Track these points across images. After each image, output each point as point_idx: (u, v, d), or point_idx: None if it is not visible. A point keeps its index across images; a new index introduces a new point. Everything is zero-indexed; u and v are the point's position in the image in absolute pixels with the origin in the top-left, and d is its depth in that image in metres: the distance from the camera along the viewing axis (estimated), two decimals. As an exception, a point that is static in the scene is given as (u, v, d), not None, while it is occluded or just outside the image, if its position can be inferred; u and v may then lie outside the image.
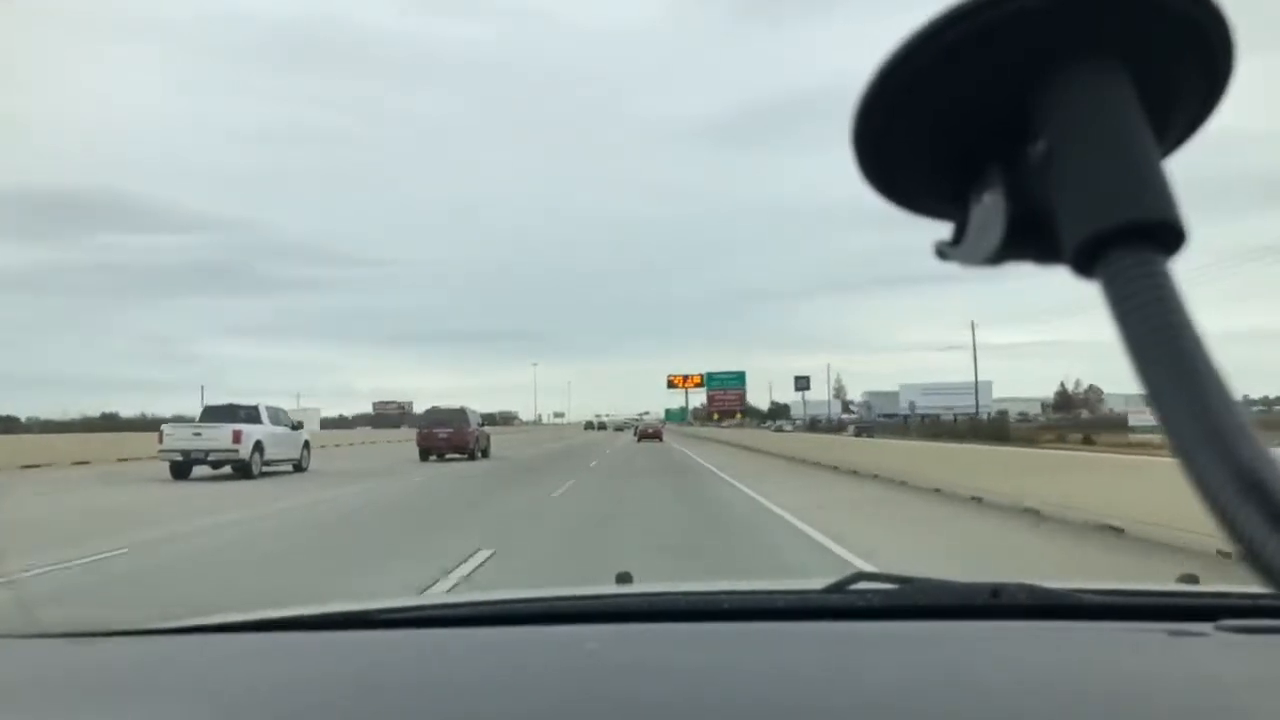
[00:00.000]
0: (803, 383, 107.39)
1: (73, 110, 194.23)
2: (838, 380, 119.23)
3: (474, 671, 1.08)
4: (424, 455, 27.04)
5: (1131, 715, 0.92)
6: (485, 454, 28.47)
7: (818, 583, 1.32)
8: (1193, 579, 1.46)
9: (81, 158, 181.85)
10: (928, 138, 0.39)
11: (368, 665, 1.09)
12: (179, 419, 21.47)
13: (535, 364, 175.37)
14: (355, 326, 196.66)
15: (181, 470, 19.05)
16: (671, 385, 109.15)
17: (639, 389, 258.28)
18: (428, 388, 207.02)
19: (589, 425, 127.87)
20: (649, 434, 52.88)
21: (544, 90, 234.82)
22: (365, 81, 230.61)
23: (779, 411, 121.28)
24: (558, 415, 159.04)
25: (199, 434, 19.17)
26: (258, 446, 19.40)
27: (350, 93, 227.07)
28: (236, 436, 18.98)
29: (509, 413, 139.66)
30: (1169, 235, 0.34)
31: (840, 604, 1.27)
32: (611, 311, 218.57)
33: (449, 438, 27.27)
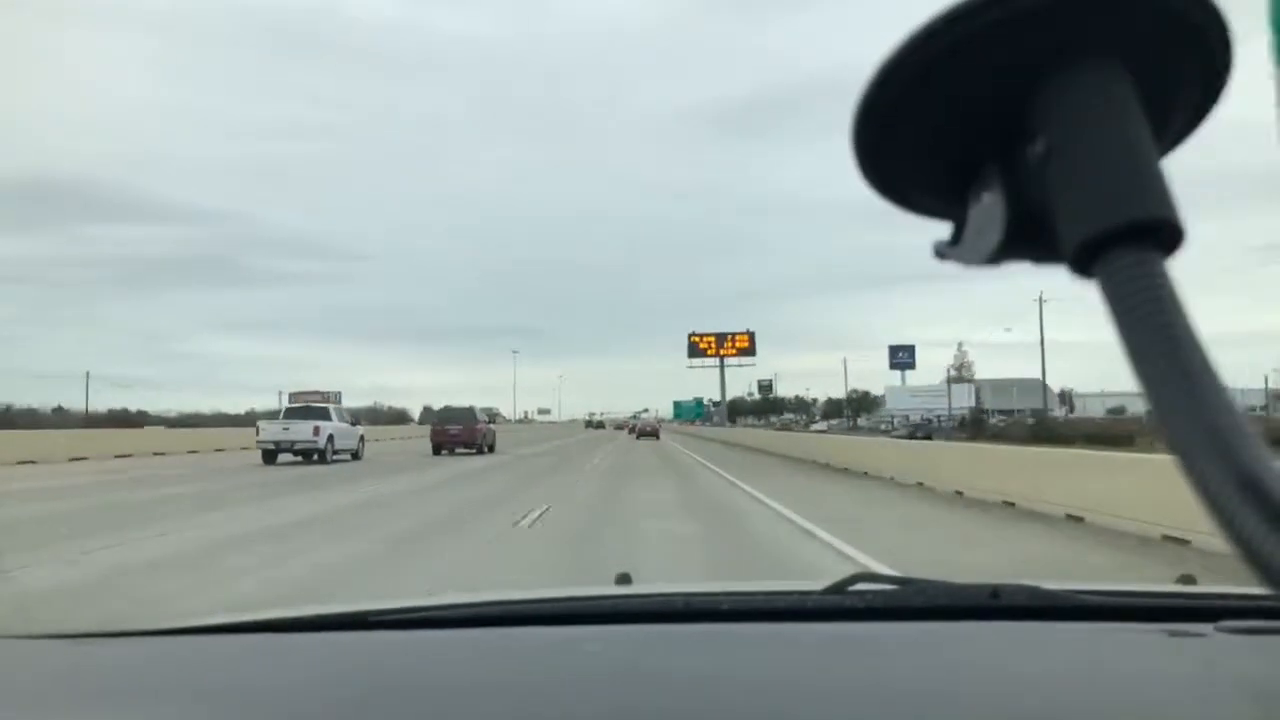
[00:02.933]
0: (903, 356, 71.12)
1: (60, 100, 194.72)
2: (961, 358, 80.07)
3: (474, 673, 1.08)
4: (436, 450, 29.32)
5: (1131, 716, 0.91)
6: (491, 449, 31.12)
7: (818, 584, 1.31)
8: (1191, 580, 1.46)
9: (65, 147, 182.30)
10: (927, 137, 0.40)
11: (367, 667, 1.09)
12: (265, 415, 26.50)
13: (516, 351, 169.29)
14: (344, 322, 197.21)
15: (271, 457, 23.68)
16: (698, 353, 72.13)
17: (637, 387, 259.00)
18: (414, 385, 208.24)
19: (589, 424, 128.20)
20: (646, 431, 57.38)
21: (540, 84, 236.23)
22: (360, 75, 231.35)
23: (867, 403, 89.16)
24: (543, 412, 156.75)
25: (286, 428, 24.10)
26: (330, 438, 24.21)
27: (345, 86, 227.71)
28: (316, 430, 23.83)
29: (490, 409, 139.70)
30: (1167, 235, 0.34)
31: (840, 605, 1.27)
32: (607, 308, 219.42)
33: (459, 434, 29.99)
